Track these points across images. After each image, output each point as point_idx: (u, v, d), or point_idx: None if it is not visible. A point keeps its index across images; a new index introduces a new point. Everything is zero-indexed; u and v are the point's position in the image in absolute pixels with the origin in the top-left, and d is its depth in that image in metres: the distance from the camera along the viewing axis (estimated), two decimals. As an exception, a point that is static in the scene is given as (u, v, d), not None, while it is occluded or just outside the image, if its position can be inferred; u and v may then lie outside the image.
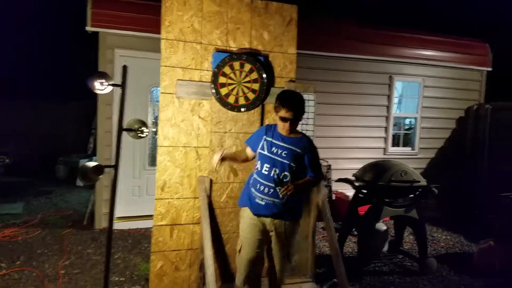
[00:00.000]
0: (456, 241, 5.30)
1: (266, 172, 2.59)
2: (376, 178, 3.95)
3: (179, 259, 3.19)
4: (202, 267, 3.05)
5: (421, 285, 3.82)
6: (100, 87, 2.55)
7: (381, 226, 4.21)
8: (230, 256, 3.30)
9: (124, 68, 2.71)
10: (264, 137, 2.68)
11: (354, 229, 4.72)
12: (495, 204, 4.55)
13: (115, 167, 2.63)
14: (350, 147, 6.49)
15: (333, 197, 6.16)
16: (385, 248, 4.42)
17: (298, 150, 2.63)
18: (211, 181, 3.22)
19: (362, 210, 4.24)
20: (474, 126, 7.05)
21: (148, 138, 5.30)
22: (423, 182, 4.01)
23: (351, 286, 3.52)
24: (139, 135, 2.41)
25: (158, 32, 3.17)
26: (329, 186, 6.20)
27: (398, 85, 6.88)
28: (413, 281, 3.88)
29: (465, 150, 7.14)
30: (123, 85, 2.64)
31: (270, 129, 2.72)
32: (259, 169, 2.64)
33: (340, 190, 6.17)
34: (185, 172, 3.18)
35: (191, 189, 3.20)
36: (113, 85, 2.71)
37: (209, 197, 3.22)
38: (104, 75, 2.64)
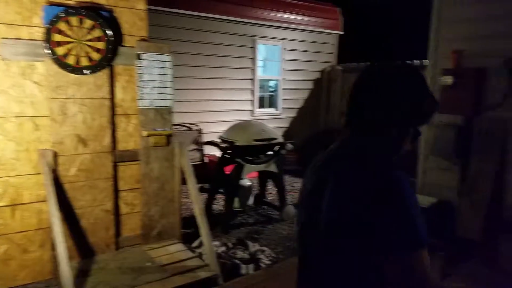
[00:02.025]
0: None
1: None
2: (238, 138, 4.11)
3: (27, 240, 2.89)
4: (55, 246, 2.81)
5: (280, 230, 4.21)
6: None
7: (245, 182, 4.44)
8: (87, 230, 3.10)
9: None
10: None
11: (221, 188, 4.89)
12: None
13: None
14: (219, 110, 6.56)
15: (206, 160, 6.24)
16: (251, 201, 4.75)
17: None
18: (55, 154, 2.89)
19: (229, 169, 4.40)
20: (328, 87, 7.81)
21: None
22: (280, 139, 4.32)
23: (218, 240, 3.66)
24: None
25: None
26: (201, 150, 6.25)
27: (261, 48, 7.11)
28: (274, 228, 4.25)
29: (320, 110, 7.91)
30: None
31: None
32: None
33: (213, 153, 6.27)
34: (22, 146, 2.79)
35: (32, 164, 2.83)
36: None
37: (55, 171, 2.90)
38: None
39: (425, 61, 5.74)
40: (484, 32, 3.72)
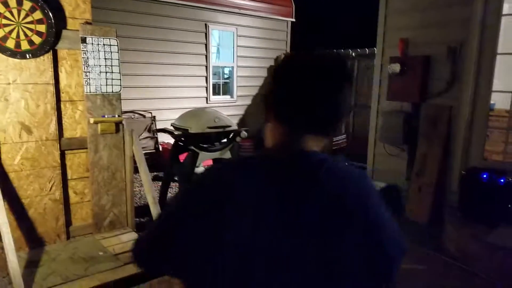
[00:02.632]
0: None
1: None
2: (191, 126, 4.10)
3: (-29, 233, 2.73)
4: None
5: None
6: None
7: (200, 170, 4.45)
8: (35, 220, 3.00)
9: None
10: None
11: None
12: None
13: None
14: (173, 97, 6.48)
15: (160, 148, 6.17)
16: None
17: None
18: (-3, 142, 2.76)
19: (183, 157, 4.39)
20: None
21: None
22: (234, 126, 4.35)
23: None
24: None
25: None
26: (154, 138, 6.16)
27: (215, 34, 7.07)
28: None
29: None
30: None
31: None
32: None
33: (167, 141, 6.20)
34: (-42, 134, 2.63)
35: (-30, 153, 2.68)
36: None
37: (-2, 160, 2.77)
38: None
39: (371, 50, 6.04)
40: (428, 21, 3.84)
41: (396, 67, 3.99)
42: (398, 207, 3.96)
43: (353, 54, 6.43)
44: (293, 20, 8.12)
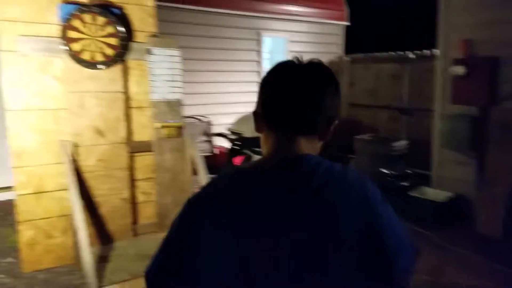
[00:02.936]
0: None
1: None
2: (246, 130, 4.21)
3: (51, 226, 3.06)
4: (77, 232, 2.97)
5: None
6: None
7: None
8: (106, 218, 3.25)
9: None
10: None
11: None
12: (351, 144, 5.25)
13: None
14: (227, 102, 6.68)
15: (215, 151, 6.37)
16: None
17: None
18: (75, 144, 3.04)
19: (238, 161, 4.52)
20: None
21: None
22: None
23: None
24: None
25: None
26: (210, 141, 6.38)
27: (266, 41, 7.19)
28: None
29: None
30: None
31: None
32: None
33: (222, 144, 6.39)
34: (44, 137, 2.95)
35: (53, 155, 2.99)
36: None
37: (75, 161, 3.05)
38: None
39: (431, 51, 5.79)
40: (496, 19, 3.59)
41: (460, 69, 3.77)
42: (466, 219, 3.73)
43: (413, 56, 6.22)
44: (348, 23, 8.02)
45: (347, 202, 0.84)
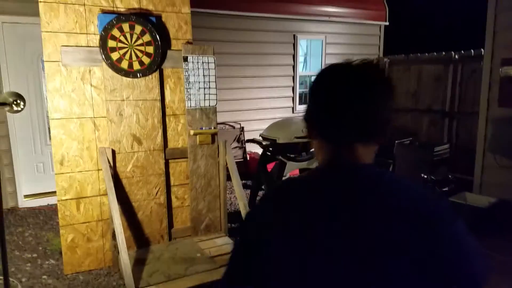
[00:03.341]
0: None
1: None
2: (279, 136, 4.16)
3: (90, 230, 3.16)
4: (114, 236, 3.05)
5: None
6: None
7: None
8: (143, 222, 3.32)
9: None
10: None
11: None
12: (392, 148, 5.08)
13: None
14: (260, 108, 6.65)
15: (247, 157, 6.37)
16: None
17: None
18: (113, 151, 3.13)
19: (271, 167, 4.48)
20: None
21: (46, 111, 4.92)
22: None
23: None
24: (15, 108, 2.22)
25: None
26: (243, 148, 6.39)
27: (302, 43, 7.10)
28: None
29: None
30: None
31: None
32: None
33: (253, 151, 6.38)
34: (84, 144, 3.05)
35: (93, 161, 3.09)
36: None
37: (114, 168, 3.14)
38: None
39: (477, 51, 5.49)
40: None
41: (510, 70, 3.60)
42: (509, 224, 3.54)
43: (456, 56, 5.92)
44: (387, 23, 7.77)
45: (418, 212, 0.78)
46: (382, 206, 0.78)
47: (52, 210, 4.74)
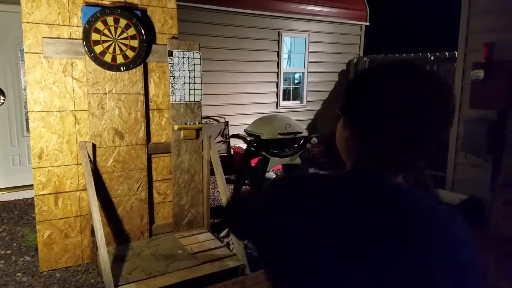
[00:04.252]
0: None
1: None
2: (263, 132, 4.21)
3: (68, 226, 3.10)
4: (93, 232, 3.01)
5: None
6: None
7: (271, 175, 4.55)
8: (123, 218, 3.28)
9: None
10: None
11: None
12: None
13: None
14: (245, 103, 6.67)
15: (232, 152, 6.38)
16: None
17: None
18: (94, 146, 3.08)
19: (255, 162, 4.52)
20: (354, 78, 7.75)
21: (24, 102, 4.78)
22: (305, 133, 4.39)
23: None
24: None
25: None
26: (227, 142, 6.39)
27: (286, 41, 7.14)
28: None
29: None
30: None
31: None
32: None
33: (238, 145, 6.40)
34: (64, 138, 2.99)
35: (73, 155, 3.03)
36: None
37: (94, 162, 3.09)
38: None
39: (451, 53, 5.66)
40: None
41: (480, 73, 3.75)
42: (481, 221, 3.70)
43: (432, 57, 6.09)
44: (367, 23, 7.90)
45: (435, 232, 0.70)
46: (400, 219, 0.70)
47: (27, 205, 4.62)
